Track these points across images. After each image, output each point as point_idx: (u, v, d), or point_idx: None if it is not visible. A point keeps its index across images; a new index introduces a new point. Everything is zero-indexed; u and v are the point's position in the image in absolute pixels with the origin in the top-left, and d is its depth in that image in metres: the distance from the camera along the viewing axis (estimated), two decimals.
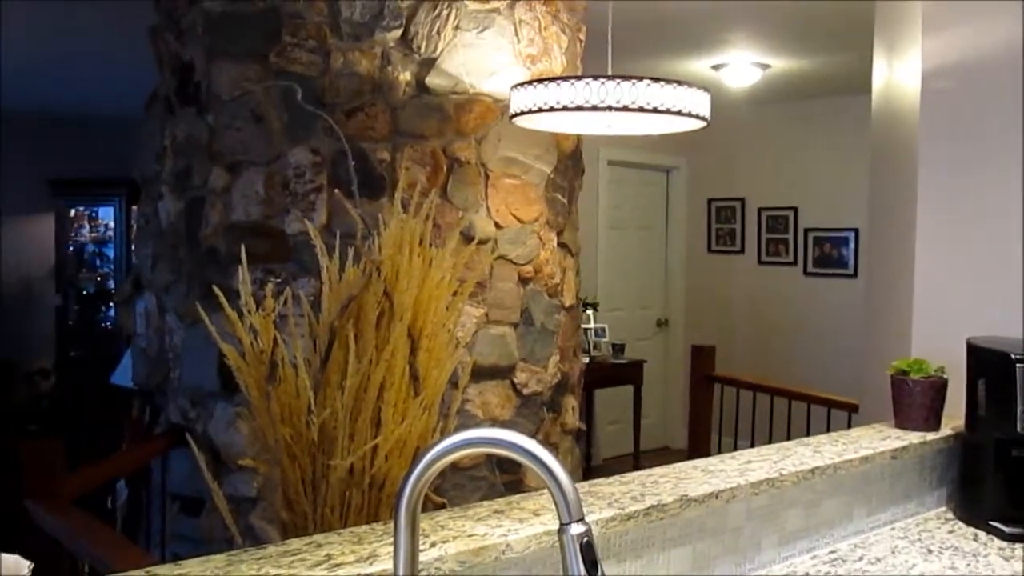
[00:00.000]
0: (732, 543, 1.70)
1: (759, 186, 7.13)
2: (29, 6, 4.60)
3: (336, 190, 2.91)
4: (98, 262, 8.34)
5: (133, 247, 7.51)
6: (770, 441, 3.66)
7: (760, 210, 7.12)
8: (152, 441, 3.23)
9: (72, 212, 8.23)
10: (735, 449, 2.08)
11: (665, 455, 6.95)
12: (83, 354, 7.94)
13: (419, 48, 3.05)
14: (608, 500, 1.55)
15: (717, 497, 1.64)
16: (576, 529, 0.97)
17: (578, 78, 2.50)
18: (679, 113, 2.49)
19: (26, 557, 1.11)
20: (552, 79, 2.55)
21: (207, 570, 1.22)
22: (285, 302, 2.18)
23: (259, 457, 2.10)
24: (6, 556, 1.11)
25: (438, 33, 3.06)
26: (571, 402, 3.51)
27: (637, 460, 6.16)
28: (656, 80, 2.45)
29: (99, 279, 8.27)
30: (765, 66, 5.51)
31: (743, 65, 5.47)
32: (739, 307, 7.25)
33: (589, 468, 5.93)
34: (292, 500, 2.00)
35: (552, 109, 2.50)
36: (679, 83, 2.49)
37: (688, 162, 7.38)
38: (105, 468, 2.92)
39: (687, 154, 7.26)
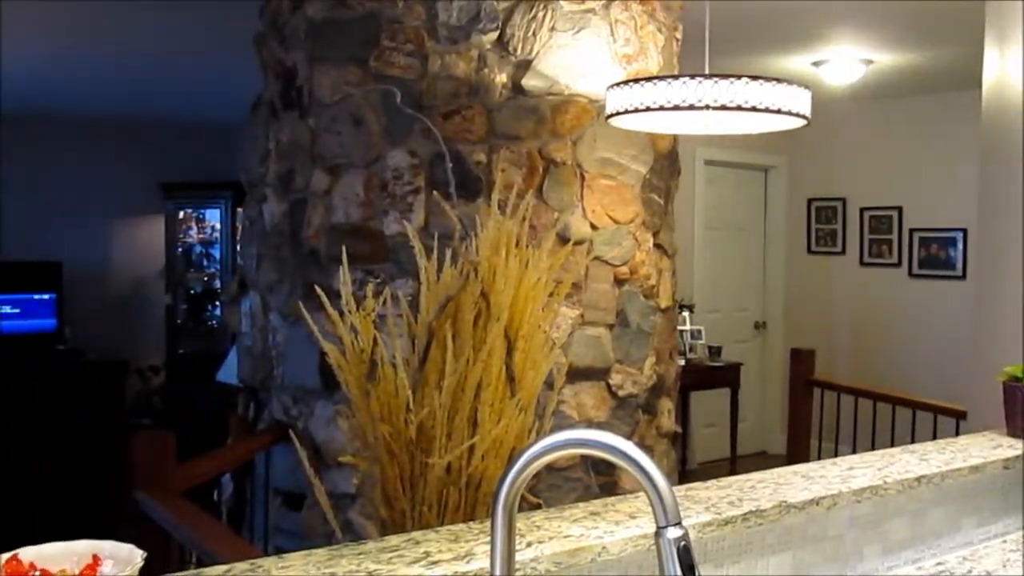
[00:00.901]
0: (833, 551, 1.66)
1: (861, 185, 6.93)
2: (142, 19, 4.78)
3: (434, 192, 2.94)
4: (205, 262, 8.63)
5: (238, 248, 7.75)
6: (872, 448, 3.57)
7: (862, 210, 6.93)
8: (256, 437, 3.32)
9: (181, 214, 8.52)
10: (836, 455, 2.03)
11: (763, 460, 6.83)
12: (191, 351, 8.23)
13: (515, 50, 3.06)
14: (705, 504, 1.53)
15: (818, 504, 1.61)
16: (673, 533, 0.97)
17: (675, 77, 2.47)
18: (778, 111, 2.45)
19: (138, 546, 1.15)
20: (648, 79, 2.54)
21: (309, 564, 1.25)
22: (384, 302, 2.22)
23: (359, 454, 2.14)
24: (122, 545, 1.15)
25: (534, 35, 3.07)
26: (667, 405, 3.48)
27: (734, 465, 6.06)
28: (755, 78, 2.41)
29: (206, 279, 8.55)
30: (868, 62, 5.36)
31: (845, 61, 5.33)
32: (840, 309, 7.07)
33: (684, 472, 5.87)
34: (391, 497, 2.03)
35: (648, 109, 2.49)
36: (778, 81, 2.44)
37: (787, 161, 7.23)
38: (212, 462, 3.02)
39: (786, 153, 7.12)
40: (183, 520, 2.31)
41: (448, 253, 2.18)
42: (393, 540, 1.37)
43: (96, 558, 1.11)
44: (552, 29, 3.08)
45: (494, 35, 3.06)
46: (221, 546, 2.12)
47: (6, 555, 1.10)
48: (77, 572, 1.10)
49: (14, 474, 4.74)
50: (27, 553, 1.11)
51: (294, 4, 3.27)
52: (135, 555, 1.10)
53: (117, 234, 8.57)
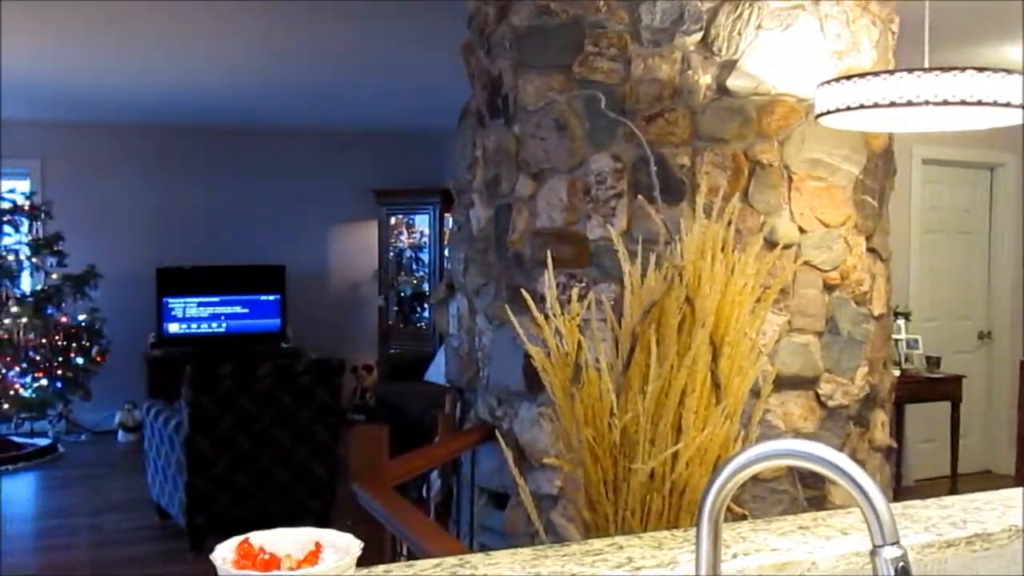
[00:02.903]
0: None
1: None
2: (355, 35, 5.04)
3: (638, 196, 2.94)
4: (415, 266, 8.98)
5: (446, 252, 8.02)
6: None
7: None
8: (463, 436, 3.42)
9: (392, 220, 8.91)
10: None
11: (988, 480, 6.36)
12: (400, 351, 8.58)
13: (719, 50, 3.01)
14: (924, 524, 1.45)
15: None
16: (891, 552, 0.92)
17: (891, 72, 2.35)
18: (1007, 105, 2.28)
19: (354, 536, 1.21)
20: (862, 75, 2.43)
21: (515, 562, 1.28)
22: (588, 306, 2.24)
23: (562, 457, 2.17)
24: (342, 534, 1.22)
25: (739, 34, 3.00)
26: (880, 417, 3.31)
27: (954, 483, 5.69)
28: (980, 70, 2.26)
29: (415, 282, 8.90)
30: None
31: None
32: None
33: (899, 489, 5.56)
34: (594, 501, 2.04)
35: (862, 107, 2.38)
36: (1007, 72, 2.28)
37: (1016, 159, 6.70)
38: (422, 458, 3.14)
39: (1015, 150, 6.60)
40: (396, 513, 2.41)
41: (652, 257, 2.17)
42: (596, 544, 1.37)
43: (318, 545, 1.18)
44: (758, 27, 3.00)
45: (698, 36, 3.01)
46: (431, 540, 2.20)
47: (239, 538, 1.18)
48: (301, 558, 1.16)
49: (243, 463, 5.11)
50: (256, 537, 1.18)
51: (500, 14, 3.36)
52: (353, 545, 1.16)
53: (335, 239, 9.06)
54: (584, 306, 2.21)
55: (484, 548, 3.26)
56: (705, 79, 3.01)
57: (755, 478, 2.86)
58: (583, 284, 2.97)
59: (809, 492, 3.03)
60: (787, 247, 2.94)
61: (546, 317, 2.15)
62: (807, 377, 3.06)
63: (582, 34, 3.09)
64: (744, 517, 2.27)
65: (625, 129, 3.02)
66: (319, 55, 5.56)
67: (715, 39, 3.00)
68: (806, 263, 3.03)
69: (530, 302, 2.22)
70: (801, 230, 3.04)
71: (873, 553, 0.93)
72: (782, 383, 2.95)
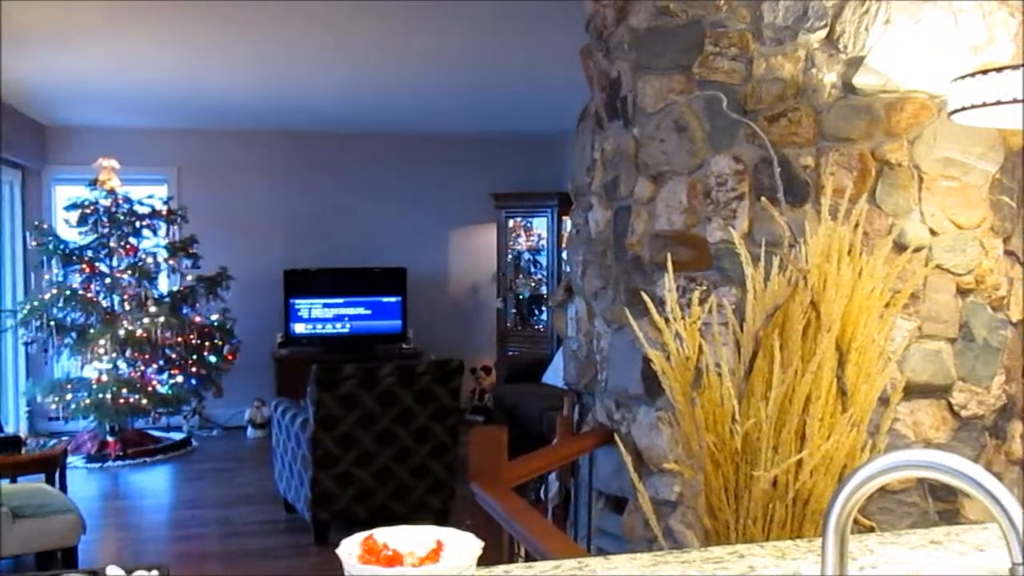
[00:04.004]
0: None
1: None
2: (474, 40, 5.11)
3: (761, 197, 2.88)
4: (532, 269, 9.03)
5: (564, 255, 8.03)
6: None
7: None
8: (581, 438, 3.42)
9: (511, 223, 8.98)
10: None
11: None
12: (518, 353, 8.64)
13: (845, 47, 2.92)
14: None
15: None
16: None
17: None
18: None
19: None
20: (998, 69, 2.32)
21: (634, 567, 1.27)
22: (709, 310, 2.21)
23: (682, 462, 2.14)
24: (462, 534, 1.24)
25: (866, 29, 2.91)
26: (1019, 429, 3.15)
27: None
28: None
29: (533, 284, 8.95)
30: None
31: None
32: None
33: None
34: (715, 507, 2.02)
35: (999, 103, 2.27)
36: None
37: None
38: (540, 460, 3.15)
39: None
40: (514, 514, 2.43)
41: (775, 261, 2.13)
42: (717, 551, 1.36)
43: (440, 544, 1.20)
44: (886, 22, 2.90)
45: (822, 33, 2.94)
46: (549, 542, 2.20)
47: (363, 534, 1.21)
48: (423, 555, 1.19)
49: (365, 461, 5.24)
50: (380, 534, 1.21)
51: (618, 16, 3.34)
52: (474, 544, 1.18)
53: (454, 242, 9.19)
54: (705, 310, 2.18)
55: (601, 552, 3.25)
56: (830, 77, 2.93)
57: (883, 489, 2.77)
58: (703, 287, 2.93)
59: (941, 505, 2.91)
60: (917, 250, 2.83)
61: (666, 320, 2.13)
62: (939, 385, 2.94)
63: (702, 34, 3.05)
64: (871, 529, 2.20)
65: (747, 130, 2.96)
66: (438, 61, 5.65)
67: (840, 35, 2.92)
68: (938, 267, 2.91)
69: (650, 305, 2.20)
70: (932, 232, 2.92)
71: (1012, 572, 0.89)
72: (912, 391, 2.84)
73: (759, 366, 2.00)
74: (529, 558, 2.41)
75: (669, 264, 2.25)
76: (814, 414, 1.96)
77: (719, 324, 2.28)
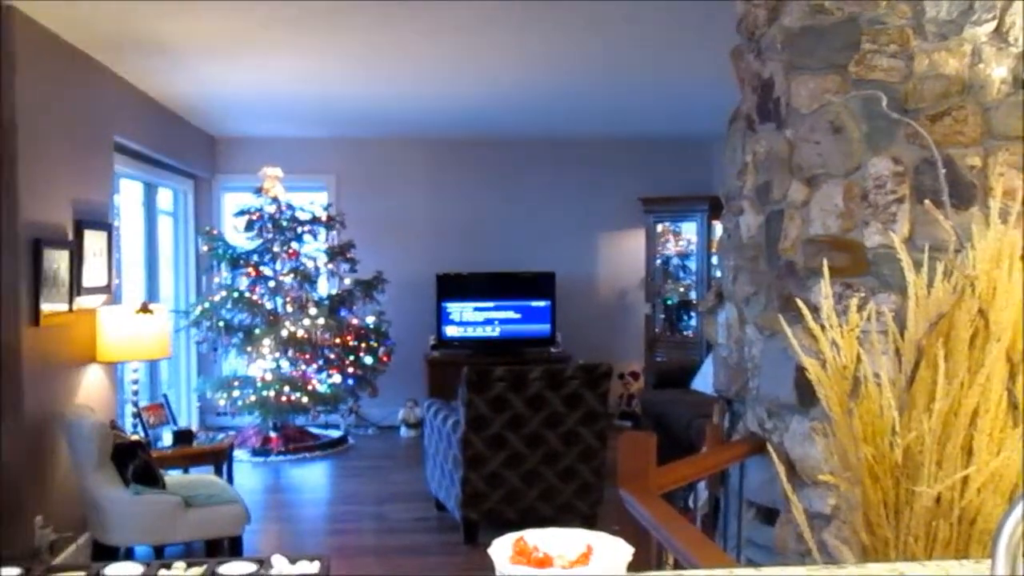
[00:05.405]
0: None
1: None
2: (620, 44, 5.09)
3: (926, 200, 2.76)
4: (681, 274, 8.92)
5: (714, 260, 7.90)
6: None
7: None
8: (731, 447, 3.36)
9: (659, 227, 8.90)
10: None
11: None
12: (666, 359, 8.55)
13: (1016, 40, 2.77)
14: None
15: None
16: None
17: None
18: None
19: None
20: None
21: None
22: (868, 317, 2.13)
23: (838, 474, 2.08)
24: (613, 539, 1.24)
25: None
26: None
27: None
28: None
29: (682, 290, 8.84)
30: None
31: None
32: None
33: None
34: (873, 523, 1.94)
35: None
36: None
37: None
38: (689, 468, 3.11)
39: None
40: (662, 521, 2.41)
41: (938, 266, 2.03)
42: (875, 568, 1.31)
43: (589, 548, 1.21)
44: None
45: (990, 26, 2.79)
46: (698, 551, 2.18)
47: (514, 535, 1.24)
48: (573, 559, 1.20)
49: (514, 463, 5.30)
50: (531, 536, 1.23)
51: (771, 15, 3.27)
52: (625, 550, 1.18)
53: (603, 246, 9.18)
54: (863, 317, 2.10)
55: (751, 563, 3.18)
56: (999, 72, 2.78)
57: None
58: (861, 294, 2.83)
59: None
60: None
61: (822, 328, 2.07)
62: None
63: (859, 31, 2.95)
64: None
65: (907, 130, 2.85)
66: (586, 65, 5.67)
67: (1010, 28, 2.77)
68: None
69: (805, 312, 2.15)
70: None
71: None
72: None
73: (921, 376, 1.91)
74: (677, 566, 2.39)
75: (825, 270, 2.18)
76: (982, 428, 1.87)
77: (878, 332, 2.20)
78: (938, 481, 1.87)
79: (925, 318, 1.93)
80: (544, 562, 1.17)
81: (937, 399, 1.87)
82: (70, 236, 4.91)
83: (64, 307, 4.78)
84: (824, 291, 2.14)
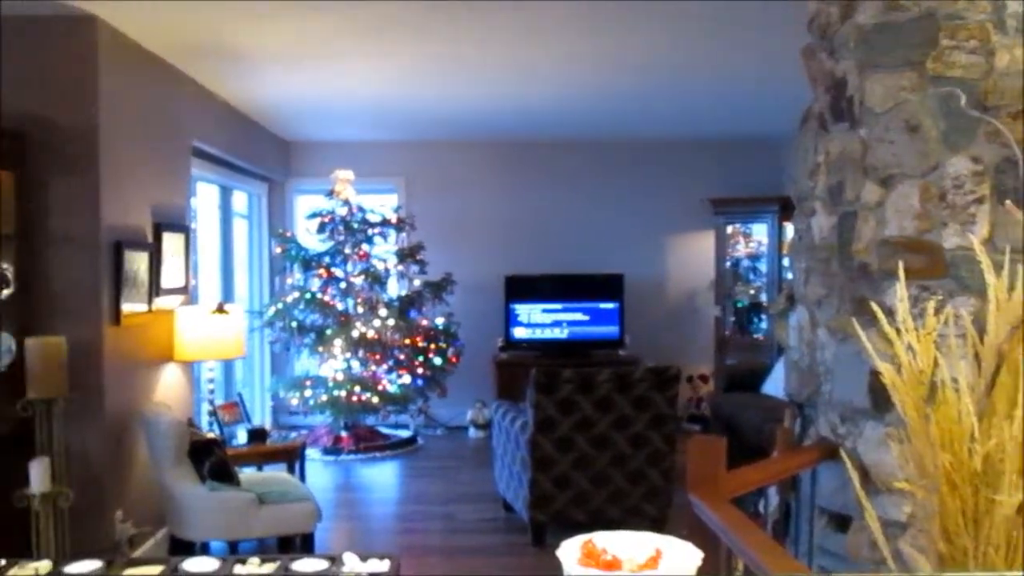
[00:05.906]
0: None
1: None
2: (689, 45, 5.05)
3: (1007, 200, 2.68)
4: (751, 276, 8.80)
5: (785, 262, 7.78)
6: None
7: None
8: (802, 452, 3.31)
9: (729, 229, 8.80)
10: None
11: None
12: (736, 362, 8.45)
13: None
14: None
15: None
16: None
17: None
18: None
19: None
20: None
21: None
22: (945, 321, 2.08)
23: (913, 482, 2.03)
24: (682, 543, 1.24)
25: None
26: None
27: None
28: None
29: (752, 292, 8.72)
30: None
31: None
32: None
33: None
34: (951, 532, 1.90)
35: None
36: None
37: None
38: (759, 473, 3.07)
39: None
40: (732, 527, 2.39)
41: (1020, 269, 1.98)
42: None
43: (658, 552, 1.21)
44: None
45: None
46: (768, 557, 2.15)
47: (583, 537, 1.24)
48: (642, 562, 1.20)
49: (582, 465, 5.29)
50: (600, 538, 1.24)
51: (844, 12, 3.22)
52: (694, 555, 1.18)
53: (671, 248, 9.12)
54: (940, 320, 2.06)
55: (823, 571, 3.13)
56: None
57: None
58: (939, 297, 2.76)
59: None
60: None
61: (897, 331, 2.03)
62: None
63: (936, 27, 2.88)
64: None
65: (987, 128, 2.77)
66: (655, 65, 5.64)
67: None
68: None
69: (879, 315, 2.11)
70: None
71: None
72: None
73: (1002, 382, 1.86)
74: (747, 572, 2.36)
75: (900, 272, 2.14)
76: None
77: (956, 336, 2.15)
78: (1020, 490, 1.82)
79: (1006, 322, 1.88)
80: (613, 565, 1.17)
81: (1019, 405, 1.82)
82: (149, 238, 5.05)
83: (144, 307, 4.92)
84: (900, 293, 2.10)
